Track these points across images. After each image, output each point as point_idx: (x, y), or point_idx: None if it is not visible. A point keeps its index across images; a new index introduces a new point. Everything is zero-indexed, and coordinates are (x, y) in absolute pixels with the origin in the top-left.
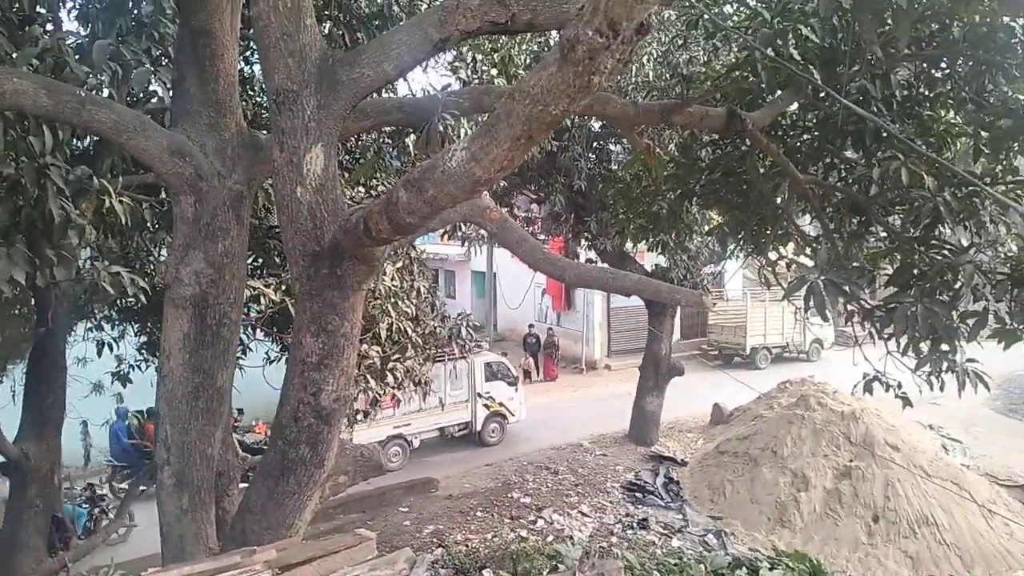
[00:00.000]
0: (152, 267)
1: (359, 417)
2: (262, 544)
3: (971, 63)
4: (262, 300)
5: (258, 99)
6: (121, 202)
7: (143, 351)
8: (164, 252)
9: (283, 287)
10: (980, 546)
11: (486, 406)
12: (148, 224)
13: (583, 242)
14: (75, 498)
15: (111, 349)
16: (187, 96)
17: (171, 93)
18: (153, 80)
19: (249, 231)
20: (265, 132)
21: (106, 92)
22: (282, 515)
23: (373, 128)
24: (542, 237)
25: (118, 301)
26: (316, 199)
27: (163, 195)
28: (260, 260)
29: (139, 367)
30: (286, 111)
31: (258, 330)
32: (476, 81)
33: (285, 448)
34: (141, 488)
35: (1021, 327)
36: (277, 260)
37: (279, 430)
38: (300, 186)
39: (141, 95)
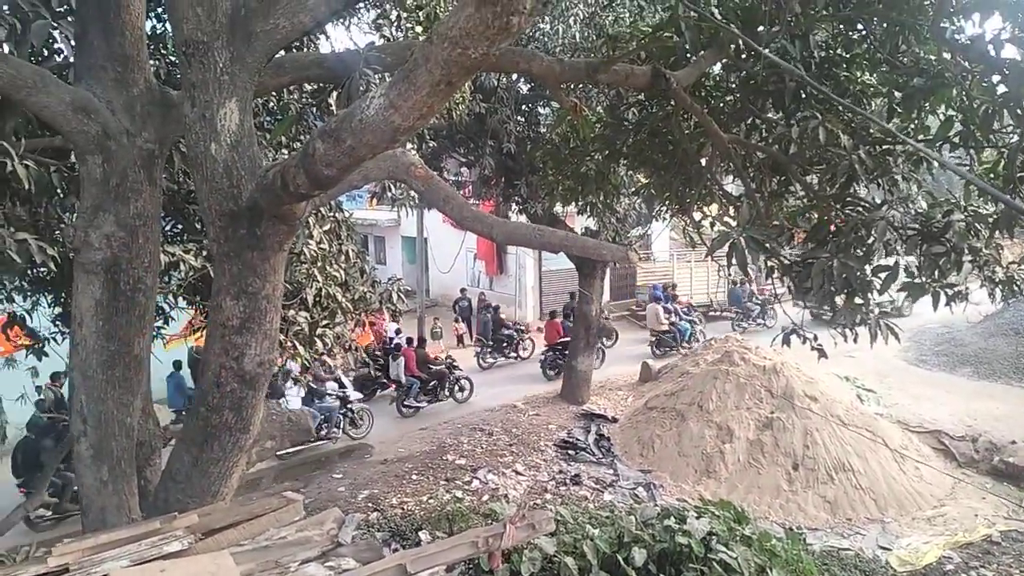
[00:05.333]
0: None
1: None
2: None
3: (885, 24)
4: (182, 266)
5: (172, 58)
6: (26, 166)
7: (58, 323)
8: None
9: (204, 253)
10: (893, 489)
11: None
12: (57, 189)
13: (513, 206)
14: None
15: (24, 322)
16: (91, 51)
17: (74, 48)
18: (56, 36)
19: (167, 196)
20: (179, 91)
21: (6, 49)
22: (207, 482)
23: (292, 84)
24: (473, 201)
25: (28, 271)
26: (232, 156)
27: (73, 159)
28: (180, 226)
29: (55, 339)
30: (196, 63)
31: (180, 298)
32: (401, 39)
33: (208, 414)
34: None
35: (929, 281)
36: (198, 226)
37: (201, 396)
38: (215, 142)
39: (44, 52)
